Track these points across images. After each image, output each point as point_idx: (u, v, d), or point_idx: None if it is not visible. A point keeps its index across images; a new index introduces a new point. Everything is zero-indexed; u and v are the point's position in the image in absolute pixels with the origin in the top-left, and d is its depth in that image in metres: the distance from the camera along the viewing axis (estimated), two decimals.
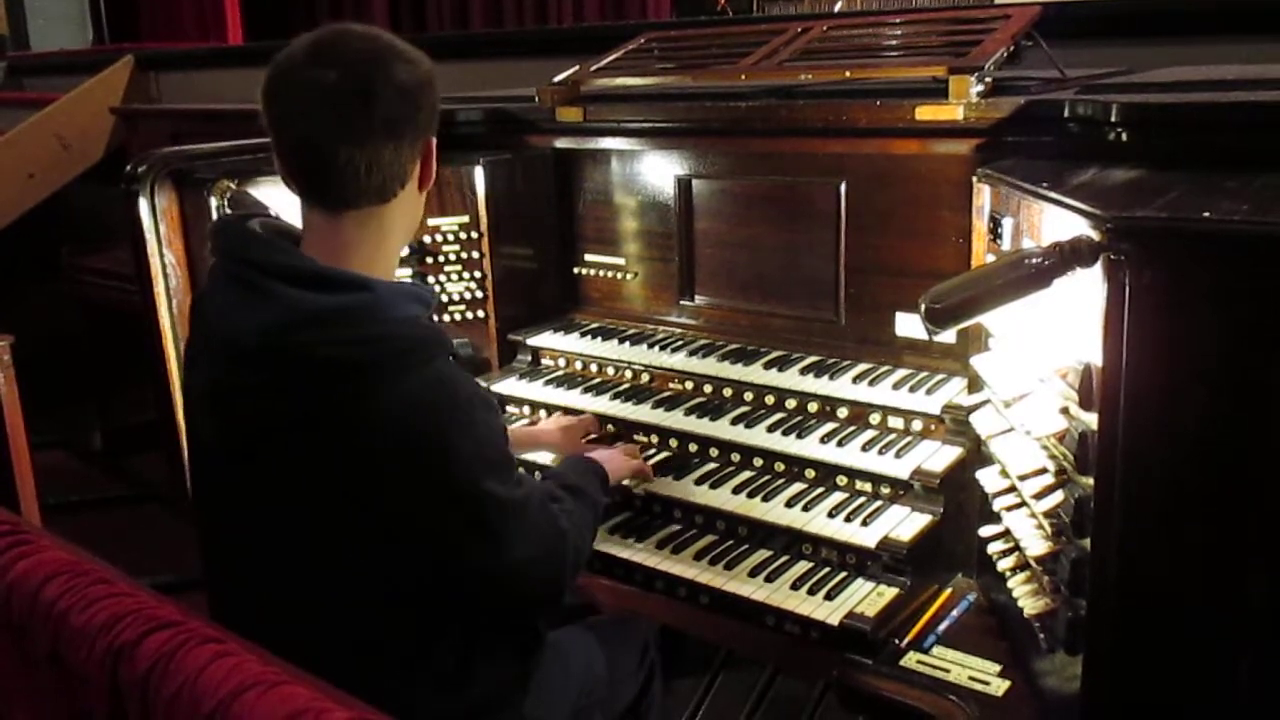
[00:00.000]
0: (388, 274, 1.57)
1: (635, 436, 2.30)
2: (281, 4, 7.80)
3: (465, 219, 2.54)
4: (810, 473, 2.10)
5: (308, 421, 1.42)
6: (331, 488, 1.43)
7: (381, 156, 1.48)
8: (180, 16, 7.67)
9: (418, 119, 1.51)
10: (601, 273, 2.67)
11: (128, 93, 5.09)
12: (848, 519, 1.96)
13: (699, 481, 2.14)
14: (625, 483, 2.12)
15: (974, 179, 1.91)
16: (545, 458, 2.27)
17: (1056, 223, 1.52)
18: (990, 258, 1.89)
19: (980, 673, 1.75)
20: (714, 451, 2.22)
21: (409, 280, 1.61)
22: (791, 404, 2.22)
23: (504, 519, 1.50)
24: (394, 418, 1.40)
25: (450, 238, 2.54)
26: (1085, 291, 1.38)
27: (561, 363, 2.58)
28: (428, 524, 1.45)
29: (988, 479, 1.80)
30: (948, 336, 2.06)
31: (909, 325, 2.21)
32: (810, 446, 2.09)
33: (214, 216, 2.21)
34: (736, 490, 2.10)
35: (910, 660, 1.79)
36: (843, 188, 2.24)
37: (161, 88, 5.22)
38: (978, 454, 1.93)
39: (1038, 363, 1.62)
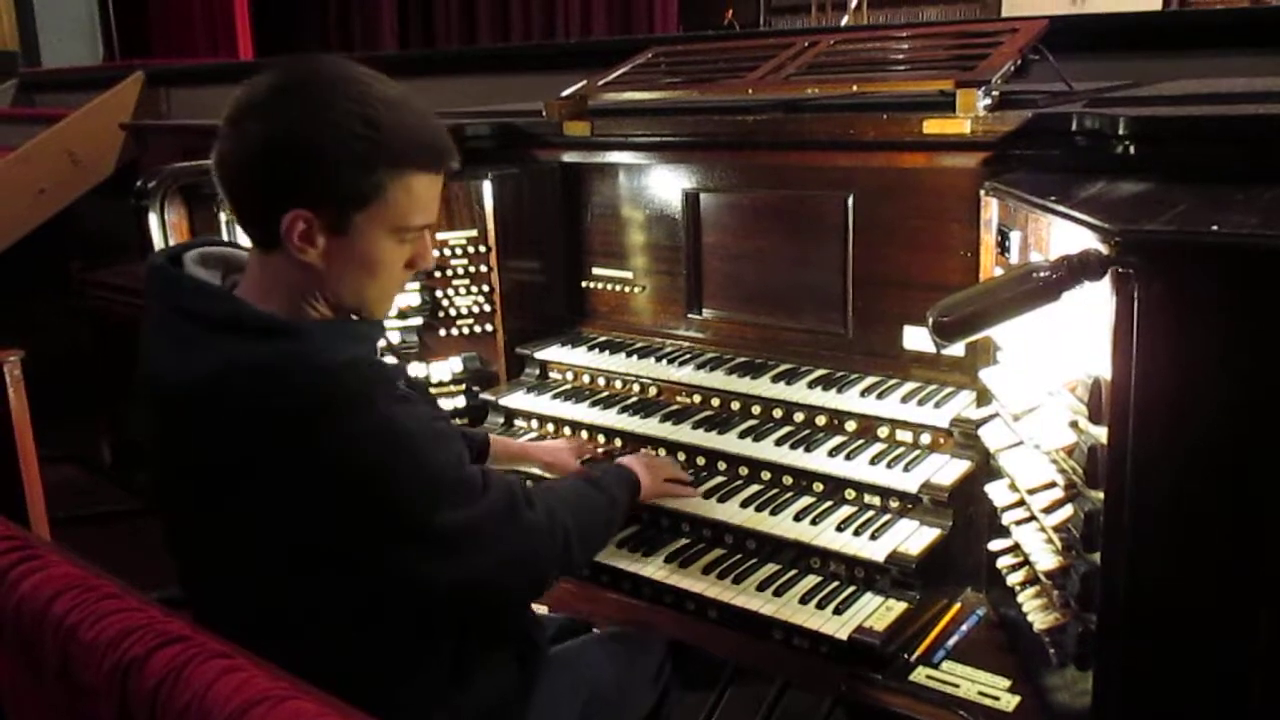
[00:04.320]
0: (318, 314, 1.50)
1: (643, 450, 2.30)
2: (291, 20, 7.86)
3: (473, 233, 2.55)
4: (818, 486, 2.10)
5: (247, 472, 1.39)
6: (283, 534, 1.41)
7: (240, 205, 1.45)
8: (191, 32, 7.72)
9: (273, 180, 1.40)
10: (609, 286, 2.68)
11: (138, 108, 5.12)
12: (856, 532, 1.96)
13: (707, 495, 2.13)
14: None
15: (981, 192, 1.91)
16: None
17: (1064, 236, 1.52)
18: (998, 271, 1.88)
19: (990, 688, 1.74)
20: (722, 465, 2.22)
21: (347, 320, 1.54)
22: (800, 417, 2.21)
23: (464, 539, 1.47)
24: (333, 467, 1.37)
25: (458, 251, 2.55)
26: (1094, 305, 1.38)
27: (569, 376, 2.58)
28: (387, 561, 1.43)
29: (997, 493, 1.79)
30: (956, 350, 2.05)
31: (917, 338, 2.21)
32: (818, 460, 2.09)
33: (223, 230, 2.23)
34: (745, 504, 2.09)
35: (919, 675, 1.78)
36: (850, 201, 2.25)
37: (172, 103, 5.25)
38: (986, 467, 1.93)
39: (1046, 376, 1.62)
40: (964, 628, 1.90)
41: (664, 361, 2.47)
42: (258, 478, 1.39)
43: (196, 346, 1.40)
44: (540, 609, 2.01)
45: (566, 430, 2.45)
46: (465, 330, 2.61)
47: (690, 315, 2.56)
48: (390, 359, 1.71)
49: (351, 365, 1.43)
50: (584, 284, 2.72)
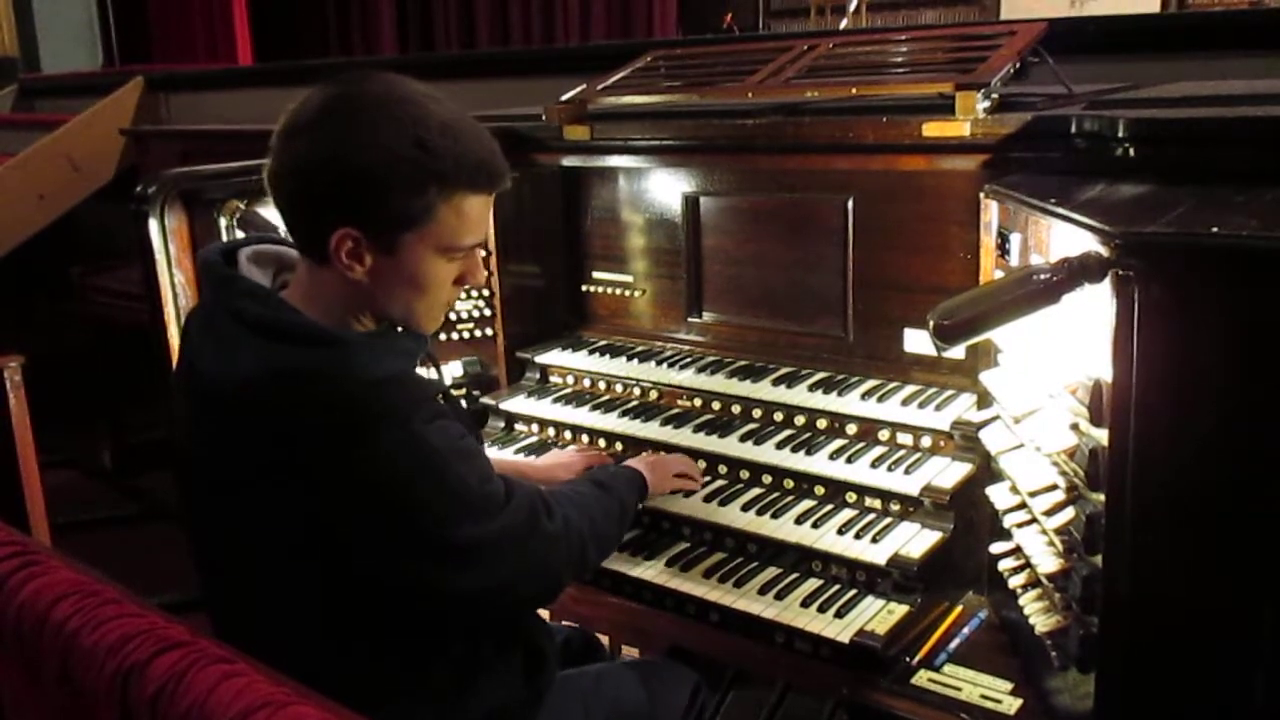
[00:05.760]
0: (362, 326, 1.52)
1: (644, 454, 2.29)
2: (291, 26, 7.86)
3: None
4: (819, 489, 2.10)
5: (275, 476, 1.41)
6: (307, 538, 1.42)
7: (290, 219, 1.46)
8: (191, 38, 7.72)
9: (322, 199, 1.41)
10: (609, 290, 2.68)
11: (138, 114, 5.13)
12: (857, 536, 1.96)
13: (708, 499, 2.13)
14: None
15: (981, 195, 1.91)
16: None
17: (1065, 238, 1.52)
18: (998, 273, 1.89)
19: (992, 691, 1.74)
20: (723, 468, 2.21)
21: (395, 331, 1.54)
22: (800, 420, 2.21)
23: (483, 553, 1.48)
24: (360, 479, 1.38)
25: None
26: (1094, 307, 1.38)
27: (570, 380, 2.58)
28: (405, 571, 1.44)
29: (998, 495, 1.79)
30: (956, 352, 2.06)
31: (917, 341, 2.21)
32: (819, 463, 2.09)
33: (223, 236, 2.23)
34: (745, 507, 2.09)
35: (921, 678, 1.78)
36: (850, 204, 2.25)
37: (172, 109, 5.26)
38: (987, 470, 1.92)
39: (1047, 379, 1.62)
40: (966, 631, 1.90)
41: (664, 365, 2.47)
42: (286, 483, 1.40)
43: (240, 348, 1.42)
44: (543, 613, 2.00)
45: (567, 434, 2.45)
46: (465, 334, 2.61)
47: (690, 319, 2.56)
48: (429, 372, 1.72)
49: (388, 381, 1.43)
50: (584, 288, 2.72)
